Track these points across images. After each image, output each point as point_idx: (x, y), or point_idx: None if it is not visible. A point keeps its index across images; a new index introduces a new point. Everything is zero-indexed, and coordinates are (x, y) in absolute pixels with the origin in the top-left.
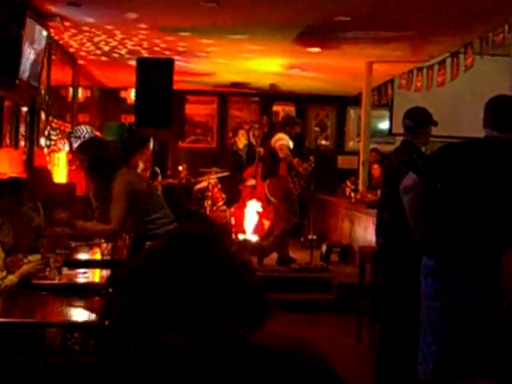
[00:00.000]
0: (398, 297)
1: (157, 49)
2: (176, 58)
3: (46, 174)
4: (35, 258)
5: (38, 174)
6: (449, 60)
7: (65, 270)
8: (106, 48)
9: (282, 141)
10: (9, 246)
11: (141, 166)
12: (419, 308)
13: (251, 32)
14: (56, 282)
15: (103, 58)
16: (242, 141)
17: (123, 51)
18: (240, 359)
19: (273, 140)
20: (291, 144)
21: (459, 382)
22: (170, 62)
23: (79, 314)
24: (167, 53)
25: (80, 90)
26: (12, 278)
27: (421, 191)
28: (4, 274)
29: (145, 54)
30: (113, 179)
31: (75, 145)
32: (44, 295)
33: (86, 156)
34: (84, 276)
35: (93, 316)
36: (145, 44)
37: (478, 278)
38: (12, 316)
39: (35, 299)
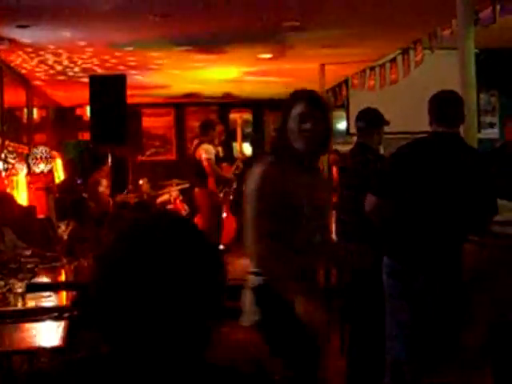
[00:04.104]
0: (362, 297)
1: (108, 65)
2: (129, 72)
3: (8, 200)
4: None
5: (0, 199)
6: (399, 57)
7: (29, 295)
8: (58, 67)
9: (207, 155)
10: None
11: (104, 183)
12: (384, 307)
13: (199, 42)
14: (20, 307)
15: (56, 78)
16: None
17: (75, 70)
18: (190, 375)
19: (198, 152)
20: (214, 151)
21: (421, 381)
22: (122, 78)
23: (45, 339)
24: (119, 68)
25: (35, 111)
26: None
27: (385, 209)
28: None
29: (97, 71)
30: None
31: (34, 167)
32: (8, 322)
33: None
34: (48, 299)
35: (59, 340)
36: (96, 61)
37: (439, 274)
38: None
39: None
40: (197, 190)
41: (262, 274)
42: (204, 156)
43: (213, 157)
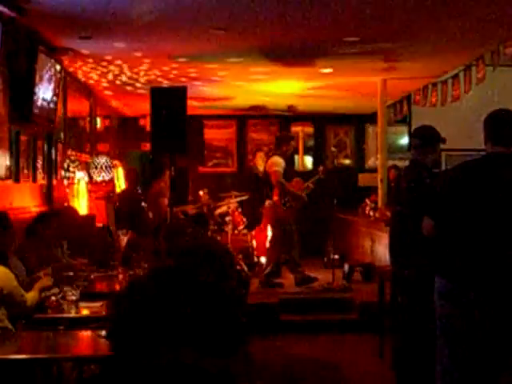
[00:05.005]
0: (415, 316)
1: (171, 76)
2: (191, 84)
3: (71, 214)
4: (54, 291)
5: (64, 213)
6: (462, 74)
7: (82, 303)
8: (120, 78)
9: (276, 167)
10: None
11: (164, 193)
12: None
13: (261, 56)
14: (72, 315)
15: (119, 88)
16: (260, 163)
17: (138, 80)
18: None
19: (268, 163)
20: (283, 164)
21: None
22: (182, 90)
23: (96, 347)
24: (182, 79)
25: (98, 120)
26: (33, 295)
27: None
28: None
29: (160, 82)
30: None
31: (94, 176)
32: (61, 329)
33: None
34: (102, 308)
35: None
36: (158, 72)
37: (490, 293)
38: (28, 351)
39: (51, 333)
40: (266, 201)
41: None
42: (273, 168)
43: (281, 169)
